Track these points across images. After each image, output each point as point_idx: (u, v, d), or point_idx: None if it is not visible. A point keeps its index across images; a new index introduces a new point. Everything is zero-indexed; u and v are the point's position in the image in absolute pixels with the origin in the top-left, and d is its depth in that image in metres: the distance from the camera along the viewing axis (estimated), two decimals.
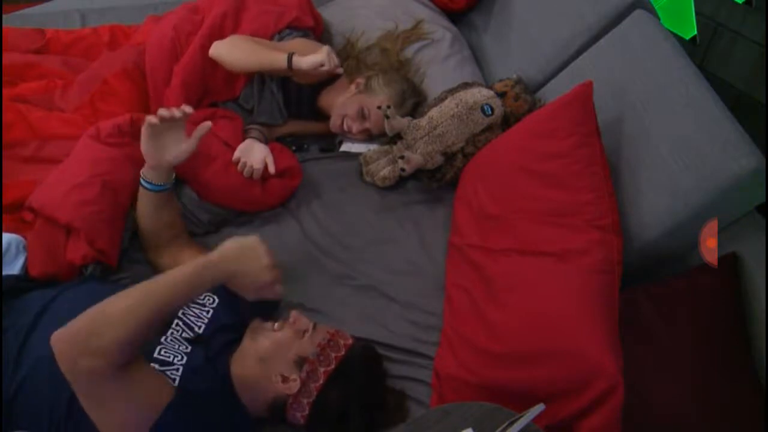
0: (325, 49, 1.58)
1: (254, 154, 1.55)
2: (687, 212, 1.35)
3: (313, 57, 1.55)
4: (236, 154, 1.55)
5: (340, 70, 1.62)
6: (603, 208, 1.36)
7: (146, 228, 1.40)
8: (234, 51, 1.61)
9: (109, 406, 0.99)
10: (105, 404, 0.99)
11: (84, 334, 0.95)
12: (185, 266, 1.08)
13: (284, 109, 1.76)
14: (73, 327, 0.96)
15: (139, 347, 1.01)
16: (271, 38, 1.75)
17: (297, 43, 1.73)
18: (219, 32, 1.70)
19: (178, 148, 1.32)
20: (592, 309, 1.21)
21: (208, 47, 1.65)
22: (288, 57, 1.56)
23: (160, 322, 1.04)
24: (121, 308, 0.98)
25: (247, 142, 1.59)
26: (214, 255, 1.11)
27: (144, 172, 1.34)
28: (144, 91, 1.67)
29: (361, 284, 1.50)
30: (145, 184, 1.35)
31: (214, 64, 1.66)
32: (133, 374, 1.00)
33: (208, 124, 1.35)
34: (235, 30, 1.72)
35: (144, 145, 1.31)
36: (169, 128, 1.29)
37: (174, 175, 1.38)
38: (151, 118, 1.27)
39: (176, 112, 1.27)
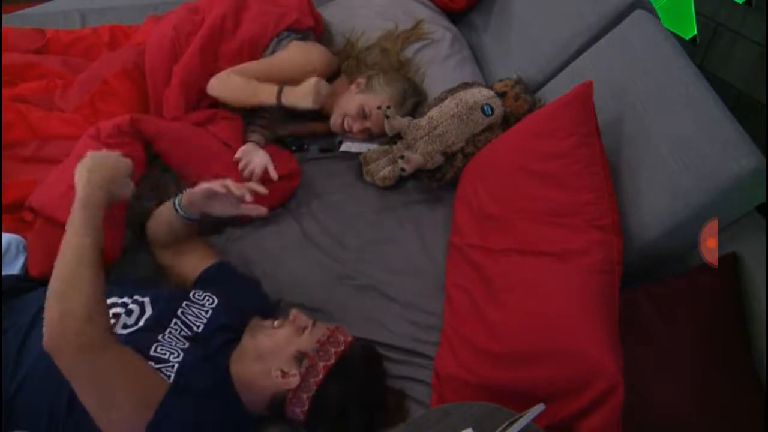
0: (313, 81, 1.58)
1: (256, 157, 1.56)
2: (687, 212, 1.35)
3: (302, 98, 1.57)
4: (238, 154, 1.56)
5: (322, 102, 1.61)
6: (603, 208, 1.36)
7: (160, 238, 1.41)
8: (225, 92, 1.62)
9: (110, 396, 1.00)
10: (106, 393, 1.00)
11: (58, 318, 0.99)
12: (73, 213, 1.12)
13: (282, 111, 1.76)
14: (48, 324, 1.00)
15: (104, 295, 1.06)
16: (270, 41, 1.74)
17: (294, 49, 1.72)
18: (219, 33, 1.70)
19: (228, 209, 1.36)
20: (592, 309, 1.21)
21: (208, 48, 1.65)
22: (277, 93, 1.57)
23: (99, 263, 1.08)
24: (63, 274, 1.04)
25: (249, 145, 1.59)
26: (80, 177, 1.17)
27: (184, 200, 1.34)
28: (144, 91, 1.67)
29: (361, 284, 1.50)
30: (179, 211, 1.35)
31: (213, 65, 1.66)
32: (129, 358, 1.04)
33: (263, 210, 1.38)
34: (234, 31, 1.72)
35: (216, 200, 1.34)
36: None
37: None
38: (235, 191, 1.30)
39: (237, 191, 1.30)
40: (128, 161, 1.27)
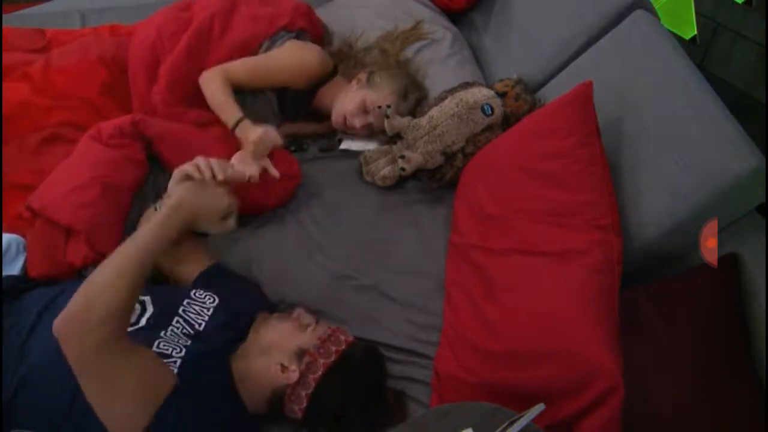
0: (259, 131, 1.52)
1: (251, 165, 1.51)
2: (687, 212, 1.35)
3: (249, 142, 1.51)
4: (233, 161, 1.52)
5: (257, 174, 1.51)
6: (603, 208, 1.36)
7: None
8: (205, 91, 1.61)
9: (116, 390, 0.99)
10: (112, 387, 0.99)
11: (81, 311, 0.98)
12: (150, 223, 1.12)
13: (279, 113, 1.76)
14: (69, 309, 0.99)
15: (132, 308, 1.07)
16: (261, 44, 1.73)
17: (289, 48, 1.71)
18: (207, 33, 1.68)
19: (219, 228, 1.29)
20: (592, 309, 1.21)
21: (195, 48, 1.65)
22: (234, 123, 1.54)
23: (142, 279, 1.07)
24: (107, 275, 1.02)
25: (240, 154, 1.54)
26: (169, 202, 1.16)
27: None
28: (119, 84, 1.66)
29: (361, 284, 1.50)
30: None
31: (201, 65, 1.66)
32: (139, 356, 1.03)
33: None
34: (224, 33, 1.70)
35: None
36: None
37: None
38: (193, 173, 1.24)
39: (208, 169, 1.24)
40: (233, 202, 1.26)
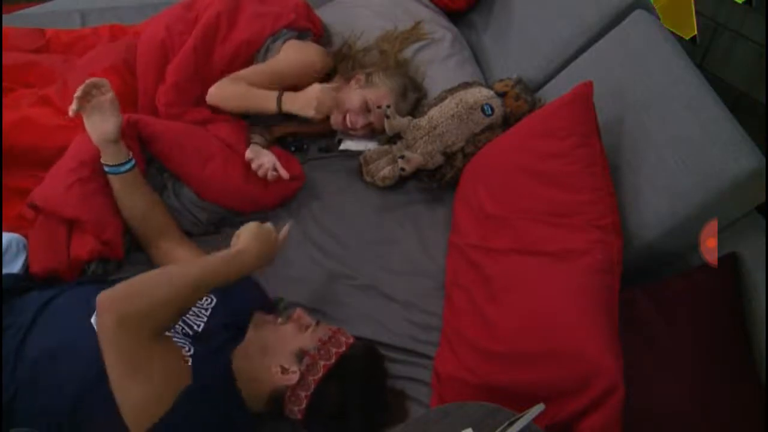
0: (317, 89, 1.58)
1: (265, 157, 1.55)
2: (687, 212, 1.35)
3: (303, 107, 1.57)
4: (248, 154, 1.55)
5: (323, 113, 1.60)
6: (603, 208, 1.36)
7: (130, 220, 1.41)
8: (225, 100, 1.62)
9: (141, 371, 1.00)
10: (138, 369, 1.00)
11: (131, 294, 1.02)
12: (215, 257, 1.16)
13: (280, 113, 1.75)
14: (121, 288, 1.03)
15: (174, 319, 1.09)
16: (266, 39, 1.74)
17: (290, 50, 1.71)
18: (213, 33, 1.68)
19: (102, 126, 1.33)
20: (592, 309, 1.21)
21: (201, 48, 1.65)
22: (277, 99, 1.57)
23: (192, 300, 1.11)
24: (164, 279, 1.07)
25: (255, 146, 1.58)
26: (239, 246, 1.19)
27: (102, 158, 1.36)
28: (132, 88, 1.65)
29: (361, 284, 1.50)
30: (108, 170, 1.36)
31: (207, 65, 1.66)
32: (166, 343, 1.07)
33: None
34: (229, 32, 1.70)
35: (87, 126, 1.33)
36: (97, 105, 1.32)
37: (130, 154, 1.39)
38: (69, 111, 1.30)
39: (77, 92, 1.29)
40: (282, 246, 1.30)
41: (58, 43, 1.82)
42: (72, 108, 1.29)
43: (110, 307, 1.00)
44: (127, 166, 1.37)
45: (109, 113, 1.33)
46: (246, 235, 1.21)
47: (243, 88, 1.62)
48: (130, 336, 0.99)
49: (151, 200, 1.43)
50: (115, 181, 1.38)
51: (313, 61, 1.72)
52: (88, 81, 1.31)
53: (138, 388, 0.99)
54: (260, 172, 1.53)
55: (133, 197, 1.39)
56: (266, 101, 1.59)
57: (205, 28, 1.68)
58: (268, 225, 1.25)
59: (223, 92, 1.62)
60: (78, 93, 1.29)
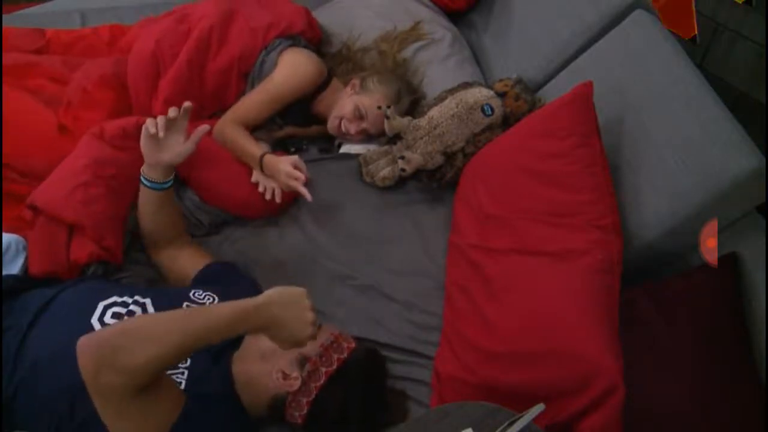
0: (292, 159, 1.53)
1: (270, 182, 1.53)
2: (687, 212, 1.35)
3: (278, 176, 1.51)
4: (253, 179, 1.54)
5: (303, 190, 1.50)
6: (603, 208, 1.36)
7: (147, 227, 1.41)
8: (223, 143, 1.60)
9: (126, 419, 0.95)
10: (122, 416, 0.95)
11: (114, 347, 0.90)
12: (227, 305, 1.01)
13: (279, 119, 1.76)
14: (103, 336, 0.93)
15: (165, 370, 0.99)
16: (259, 53, 1.74)
17: (283, 66, 1.69)
18: (206, 46, 1.68)
19: (177, 149, 1.32)
20: (592, 309, 1.21)
21: (195, 61, 1.65)
22: (258, 159, 1.54)
23: (188, 353, 1.00)
24: (158, 330, 0.94)
25: (257, 174, 1.55)
26: (259, 299, 1.03)
27: (144, 170, 1.35)
28: (124, 99, 1.65)
29: (361, 284, 1.50)
30: (146, 183, 1.35)
31: (202, 78, 1.66)
32: (152, 389, 0.95)
33: (206, 127, 1.36)
34: (221, 46, 1.70)
35: (143, 144, 1.31)
36: (168, 130, 1.30)
37: (174, 173, 1.38)
38: (150, 126, 1.27)
39: (171, 113, 1.28)
40: (313, 332, 1.07)
41: (58, 43, 1.82)
42: (160, 126, 1.26)
43: (90, 362, 0.89)
44: (168, 185, 1.36)
45: (181, 142, 1.32)
46: (272, 294, 1.05)
47: (236, 134, 1.59)
48: (113, 389, 0.90)
49: (175, 213, 1.43)
50: (150, 195, 1.36)
51: (307, 72, 1.71)
52: (186, 104, 1.31)
53: (131, 426, 0.96)
54: (267, 196, 1.52)
55: (161, 211, 1.39)
56: (250, 159, 1.56)
57: (197, 41, 1.67)
58: (300, 291, 1.07)
59: (223, 137, 1.61)
60: (171, 114, 1.27)
